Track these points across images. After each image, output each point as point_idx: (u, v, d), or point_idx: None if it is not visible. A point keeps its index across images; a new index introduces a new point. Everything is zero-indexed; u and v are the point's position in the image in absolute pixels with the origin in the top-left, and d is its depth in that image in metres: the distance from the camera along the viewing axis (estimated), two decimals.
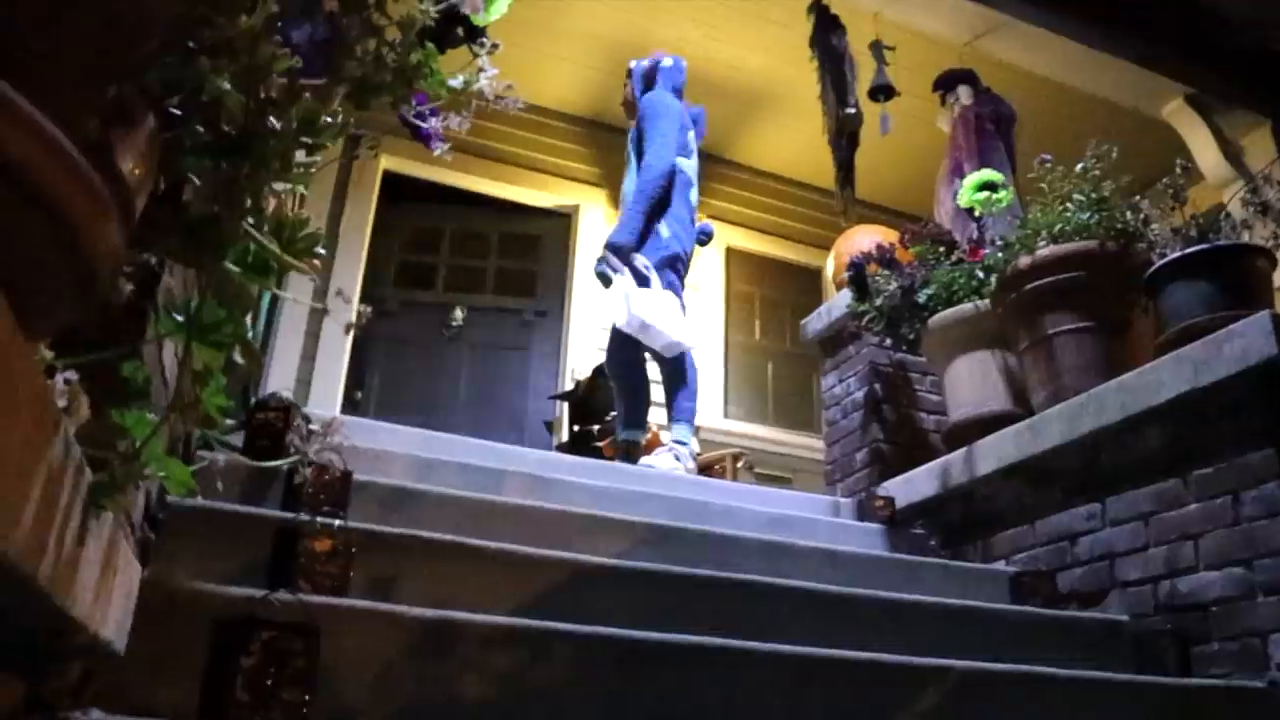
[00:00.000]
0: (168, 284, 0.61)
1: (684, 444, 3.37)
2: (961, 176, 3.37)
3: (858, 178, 3.98)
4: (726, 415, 5.40)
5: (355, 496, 1.71)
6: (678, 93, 3.71)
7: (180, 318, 0.61)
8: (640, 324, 3.27)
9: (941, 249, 2.95)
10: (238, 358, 0.61)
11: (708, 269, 5.68)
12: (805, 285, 5.92)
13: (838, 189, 4.01)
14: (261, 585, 1.28)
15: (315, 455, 1.33)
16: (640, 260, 3.30)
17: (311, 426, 1.92)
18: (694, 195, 3.56)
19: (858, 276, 2.99)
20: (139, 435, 0.62)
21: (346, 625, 1.16)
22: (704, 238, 3.64)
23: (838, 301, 3.31)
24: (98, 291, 0.44)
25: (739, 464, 4.40)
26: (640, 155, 3.49)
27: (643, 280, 3.28)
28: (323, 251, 0.85)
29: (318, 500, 1.58)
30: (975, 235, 3.05)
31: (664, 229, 3.38)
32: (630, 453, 3.39)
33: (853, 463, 3.14)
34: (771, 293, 5.91)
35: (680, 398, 3.39)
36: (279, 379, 4.18)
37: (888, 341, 3.04)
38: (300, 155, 0.82)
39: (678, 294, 3.36)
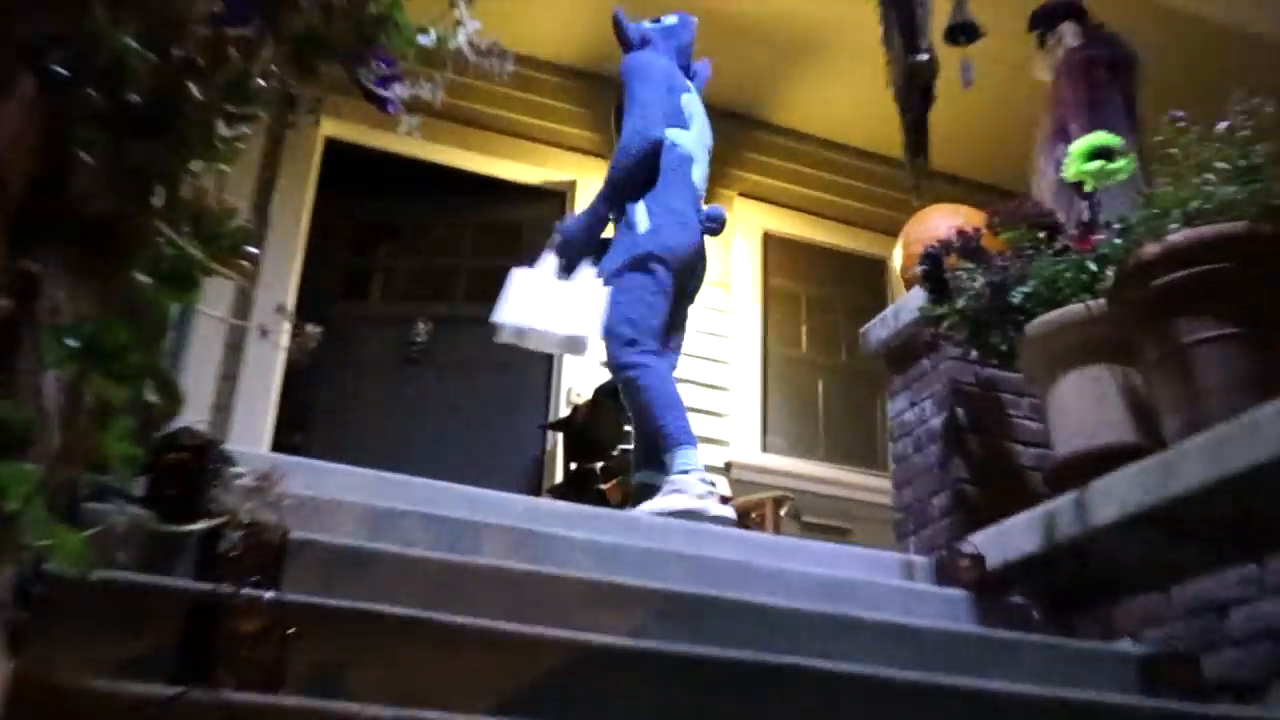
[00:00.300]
0: (54, 298, 0.60)
1: (688, 471, 3.24)
2: (1067, 141, 3.36)
3: (932, 143, 3.97)
4: (765, 448, 5.40)
5: (292, 560, 1.70)
6: (682, 55, 3.72)
7: (73, 342, 0.60)
8: (515, 330, 3.27)
9: (1041, 234, 2.93)
10: (149, 394, 0.60)
11: (739, 261, 5.69)
12: (865, 281, 5.91)
13: (907, 158, 4.00)
14: (171, 676, 1.27)
15: (247, 512, 1.33)
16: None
17: (237, 470, 1.92)
18: (698, 174, 3.56)
19: (933, 271, 2.98)
20: (16, 495, 0.62)
21: None
22: (712, 225, 3.56)
23: (908, 302, 3.30)
24: None
25: (782, 511, 4.40)
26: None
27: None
28: (254, 250, 0.85)
29: (243, 566, 1.57)
30: (1085, 216, 3.03)
31: (641, 220, 3.36)
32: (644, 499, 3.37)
33: (929, 510, 3.12)
34: (822, 291, 5.91)
35: (656, 414, 3.25)
36: (189, 406, 4.18)
37: (973, 354, 3.02)
38: (222, 126, 0.82)
39: (656, 307, 3.30)
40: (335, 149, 5.20)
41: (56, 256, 0.69)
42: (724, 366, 5.43)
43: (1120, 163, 3.02)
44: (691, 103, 3.64)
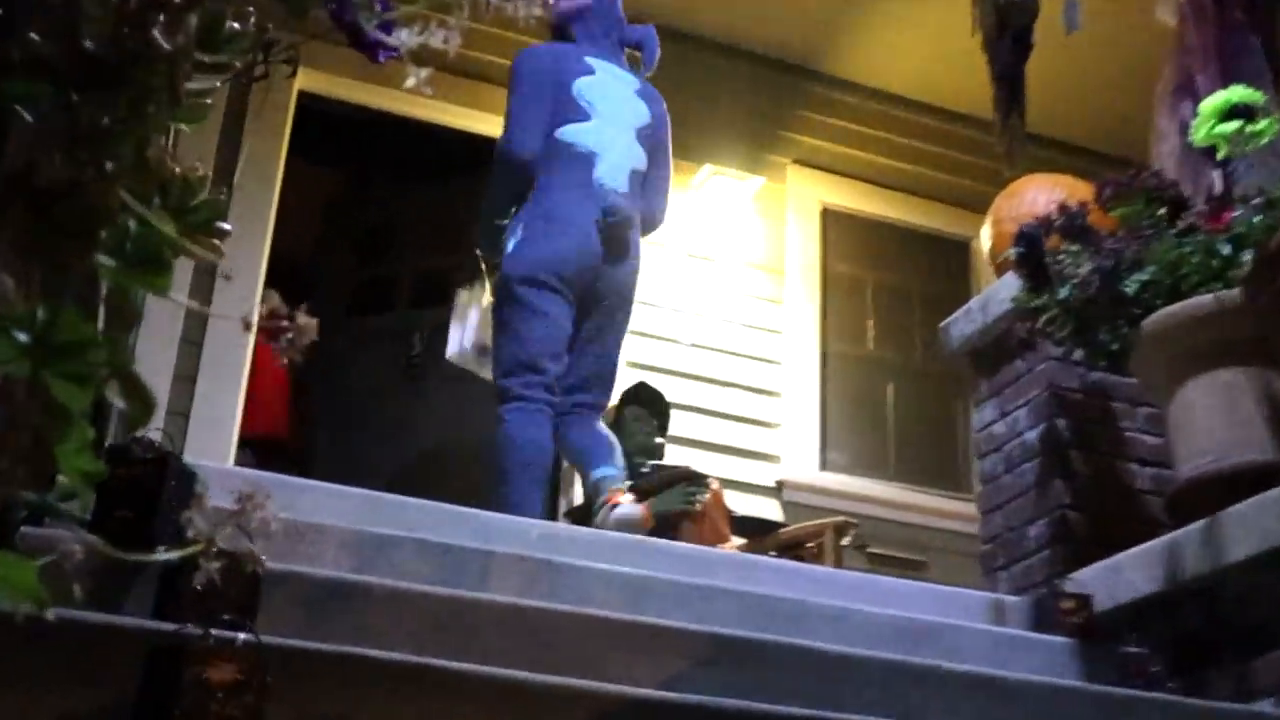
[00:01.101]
0: (2, 286, 0.60)
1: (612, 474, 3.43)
2: (1195, 97, 3.32)
3: (1029, 100, 3.95)
4: (824, 466, 5.40)
5: (268, 595, 1.71)
6: (605, 26, 3.83)
7: (22, 337, 0.60)
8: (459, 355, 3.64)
9: (1162, 211, 2.91)
10: (114, 397, 0.60)
11: (793, 241, 5.67)
12: (947, 266, 5.89)
13: (997, 118, 3.98)
14: None
15: (218, 538, 1.33)
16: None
17: (200, 489, 1.93)
18: (611, 171, 3.59)
19: (1030, 254, 2.96)
20: None
21: None
22: (608, 219, 3.52)
23: (998, 291, 3.28)
24: None
25: (844, 540, 4.39)
26: None
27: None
28: (227, 227, 0.85)
29: (212, 603, 1.58)
30: (1218, 188, 3.00)
31: (510, 238, 3.49)
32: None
33: (1024, 540, 3.10)
34: (892, 278, 5.89)
35: (502, 476, 3.39)
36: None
37: (1077, 354, 3.00)
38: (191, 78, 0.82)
39: (531, 333, 3.42)
40: (311, 106, 5.22)
41: (3, 236, 0.69)
42: (775, 368, 5.42)
43: (1263, 124, 2.99)
44: (597, 86, 3.68)
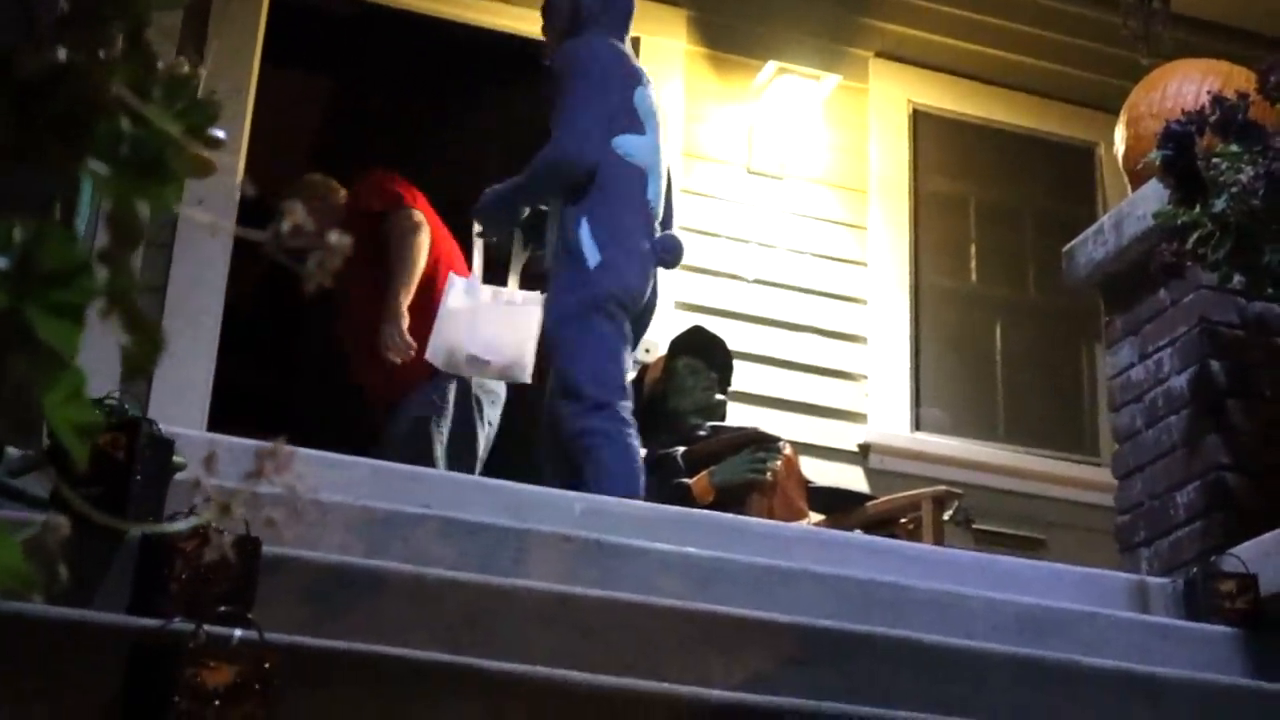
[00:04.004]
0: None
1: None
2: None
3: None
4: (919, 425, 5.39)
5: (263, 584, 1.74)
6: (626, 27, 4.07)
7: (0, 261, 0.61)
8: (446, 355, 3.89)
9: None
10: (119, 334, 0.60)
11: (878, 153, 5.64)
12: (1067, 178, 5.85)
13: None
14: None
15: (214, 516, 1.33)
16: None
17: (180, 459, 1.95)
18: (654, 191, 3.91)
19: (1179, 158, 2.94)
20: None
21: None
22: (665, 258, 3.94)
23: (1135, 206, 3.27)
24: None
25: (946, 514, 4.38)
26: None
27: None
28: (221, 135, 0.85)
29: (202, 593, 1.60)
30: None
31: (589, 250, 3.70)
32: None
33: (1171, 510, 3.10)
34: (1000, 194, 5.86)
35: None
36: (93, 369, 4.24)
37: (1237, 280, 2.97)
38: None
39: (621, 359, 3.75)
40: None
41: None
42: (857, 307, 5.41)
43: None
44: (650, 98, 3.97)
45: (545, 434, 3.81)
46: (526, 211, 3.95)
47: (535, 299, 3.86)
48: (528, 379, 3.82)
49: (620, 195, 3.79)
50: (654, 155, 3.92)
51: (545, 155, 3.82)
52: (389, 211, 4.36)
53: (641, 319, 3.91)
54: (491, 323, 3.83)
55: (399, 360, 4.18)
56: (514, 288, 3.96)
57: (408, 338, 4.15)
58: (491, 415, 4.41)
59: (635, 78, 3.97)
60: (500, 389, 4.42)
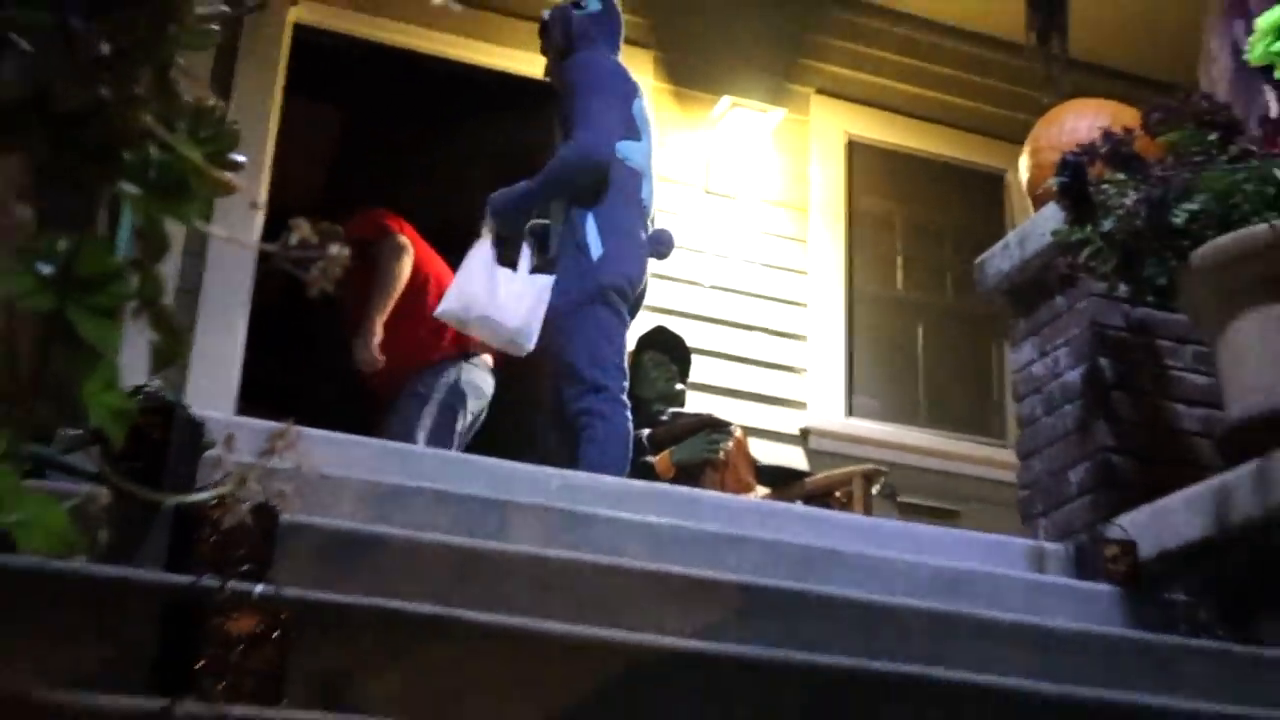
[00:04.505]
0: (20, 215, 0.61)
1: None
2: (1248, 17, 3.28)
3: (1070, 23, 3.91)
4: (851, 411, 5.41)
5: (283, 547, 1.73)
6: (617, 48, 4.06)
7: (45, 269, 0.61)
8: (460, 311, 3.76)
9: (1214, 136, 2.88)
10: (149, 332, 0.60)
11: (817, 176, 5.64)
12: (980, 200, 5.87)
13: (1032, 39, 3.94)
14: (147, 688, 1.30)
15: (235, 487, 1.34)
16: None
17: (210, 439, 1.95)
18: (648, 192, 3.91)
19: (1074, 184, 2.94)
20: None
21: None
22: (662, 250, 3.94)
23: (1037, 225, 3.27)
24: None
25: (874, 489, 4.41)
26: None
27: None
28: (241, 159, 0.85)
29: (227, 555, 1.60)
30: (1273, 110, 2.98)
31: (592, 242, 3.70)
32: None
33: (1065, 486, 3.11)
34: (923, 213, 5.86)
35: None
36: (132, 368, 4.20)
37: (1122, 289, 2.98)
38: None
39: (619, 344, 3.74)
40: (307, 40, 5.19)
41: (21, 164, 0.70)
42: (799, 310, 5.42)
43: None
44: (644, 108, 4.00)
45: (548, 411, 3.80)
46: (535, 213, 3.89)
47: (548, 278, 3.81)
48: (529, 348, 3.74)
49: (620, 195, 3.78)
50: (648, 160, 3.93)
51: (566, 154, 3.80)
52: (378, 239, 4.35)
53: (636, 305, 3.89)
54: (508, 291, 3.75)
55: (366, 370, 4.24)
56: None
57: (375, 352, 4.20)
58: (475, 408, 4.38)
59: (633, 90, 3.98)
60: (487, 386, 4.39)
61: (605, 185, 3.75)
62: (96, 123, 0.62)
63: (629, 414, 3.67)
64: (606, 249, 3.70)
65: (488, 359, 4.40)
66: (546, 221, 3.91)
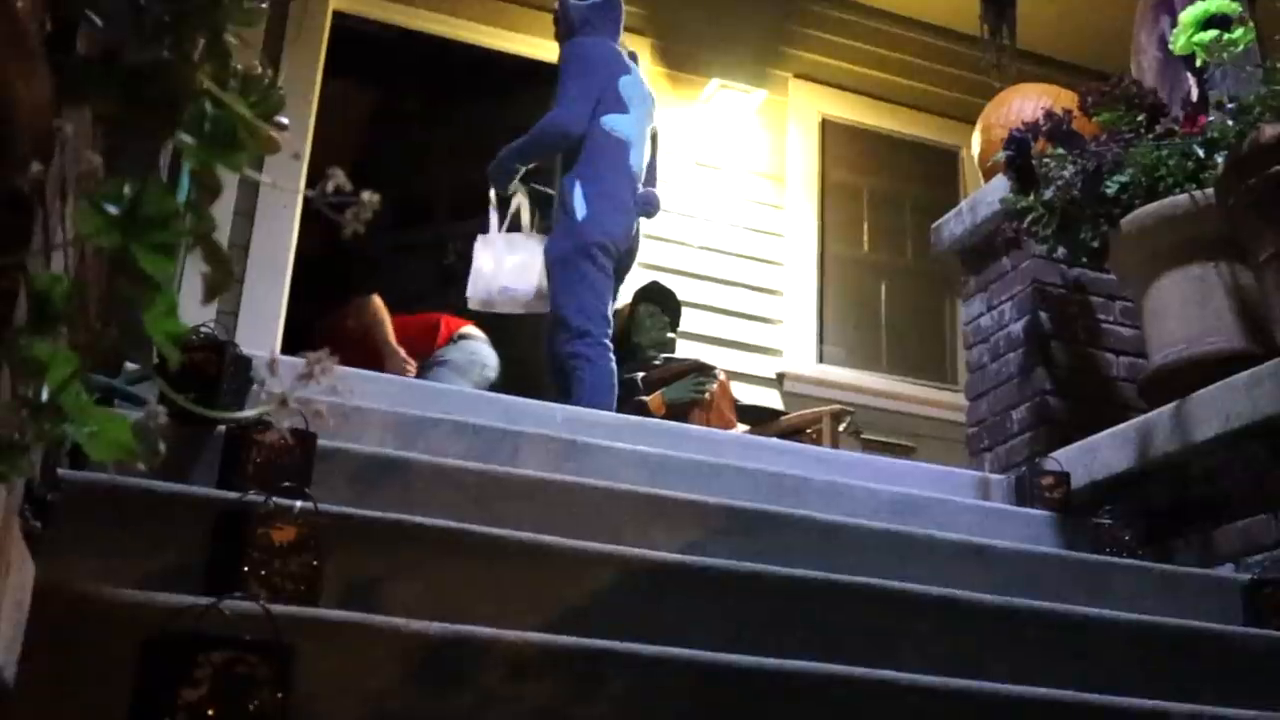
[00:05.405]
0: (90, 161, 0.60)
1: None
2: (1172, 11, 3.26)
3: (1018, 15, 3.88)
4: (822, 359, 5.40)
5: (318, 470, 1.74)
6: (617, 33, 4.07)
7: (112, 209, 0.60)
8: (485, 299, 3.89)
9: (1141, 117, 2.87)
10: (202, 265, 0.60)
11: (794, 151, 5.61)
12: (937, 173, 5.83)
13: (985, 32, 3.91)
14: (198, 590, 1.31)
15: (277, 411, 1.34)
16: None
17: (256, 374, 1.95)
18: (637, 159, 3.91)
19: (1019, 158, 2.93)
20: (57, 375, 0.63)
21: (324, 644, 1.18)
22: (650, 210, 3.99)
23: (986, 194, 3.27)
24: (15, 158, 0.43)
25: (841, 427, 4.42)
26: None
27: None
28: (285, 121, 0.84)
29: (270, 474, 1.60)
30: (1194, 95, 2.96)
31: (578, 205, 3.73)
32: None
33: (1008, 424, 3.13)
34: (886, 184, 5.83)
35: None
36: (189, 310, 4.19)
37: (1060, 251, 2.99)
38: None
39: (603, 294, 3.75)
40: (345, 28, 5.13)
41: (90, 114, 0.69)
42: (777, 269, 5.40)
43: (1238, 33, 2.93)
44: (632, 85, 3.95)
45: (546, 357, 3.80)
46: (522, 171, 3.92)
47: (537, 241, 3.89)
48: (547, 308, 3.81)
49: (606, 163, 3.79)
50: (636, 130, 3.90)
51: (542, 123, 3.86)
52: (355, 311, 4.40)
53: (625, 260, 3.90)
54: (512, 265, 3.84)
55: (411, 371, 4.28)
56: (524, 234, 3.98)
57: (404, 359, 4.28)
58: (477, 377, 4.40)
59: (621, 68, 3.95)
60: (492, 366, 4.40)
61: (589, 154, 3.78)
62: (159, 79, 0.62)
63: (613, 357, 3.68)
64: (590, 211, 3.72)
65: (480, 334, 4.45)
66: (550, 191, 3.94)
